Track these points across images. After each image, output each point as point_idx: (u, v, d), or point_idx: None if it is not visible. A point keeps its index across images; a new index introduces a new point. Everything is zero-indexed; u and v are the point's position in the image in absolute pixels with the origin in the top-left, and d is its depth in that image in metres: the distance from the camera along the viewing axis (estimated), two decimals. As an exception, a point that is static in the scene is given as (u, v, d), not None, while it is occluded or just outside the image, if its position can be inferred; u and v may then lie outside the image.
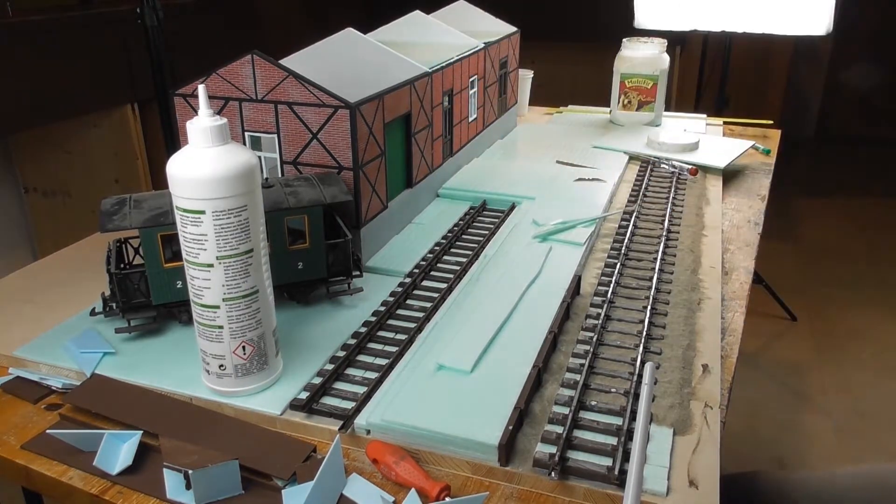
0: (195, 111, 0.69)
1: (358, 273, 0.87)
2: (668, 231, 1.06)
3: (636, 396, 0.69)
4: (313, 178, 0.87)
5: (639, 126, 1.61)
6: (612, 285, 0.90)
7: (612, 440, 0.63)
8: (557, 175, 1.29)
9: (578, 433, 0.65)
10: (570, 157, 1.39)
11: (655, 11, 2.13)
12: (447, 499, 0.59)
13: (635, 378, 0.71)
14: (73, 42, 2.06)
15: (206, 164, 0.61)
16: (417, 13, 1.34)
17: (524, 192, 1.19)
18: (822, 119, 4.42)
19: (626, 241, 1.02)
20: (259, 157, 0.91)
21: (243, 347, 0.68)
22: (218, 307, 0.65)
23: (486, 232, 1.06)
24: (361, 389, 0.70)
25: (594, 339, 0.78)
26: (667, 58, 1.61)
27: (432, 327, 0.81)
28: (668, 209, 1.14)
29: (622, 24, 2.16)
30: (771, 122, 1.70)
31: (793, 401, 2.15)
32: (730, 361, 0.79)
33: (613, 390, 0.70)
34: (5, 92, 1.88)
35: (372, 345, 0.78)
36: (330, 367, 0.74)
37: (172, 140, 1.77)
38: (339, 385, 0.72)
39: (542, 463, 0.61)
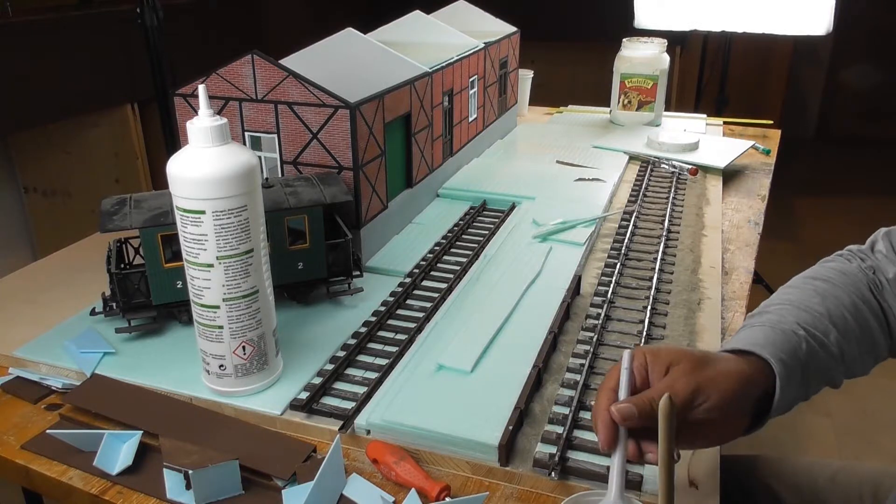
0: (195, 111, 0.69)
1: (358, 273, 0.87)
2: (668, 231, 1.06)
3: (636, 396, 0.69)
4: (313, 178, 0.87)
5: (639, 126, 1.61)
6: (612, 285, 0.90)
7: (613, 440, 0.63)
8: (557, 175, 1.29)
9: (578, 433, 0.65)
10: (570, 157, 1.39)
11: (655, 11, 2.12)
12: (447, 499, 0.59)
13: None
14: (73, 42, 2.06)
15: (206, 164, 0.61)
16: (417, 13, 1.34)
17: (524, 192, 1.19)
18: (822, 119, 4.42)
19: (626, 241, 1.02)
20: (259, 157, 0.91)
21: (243, 347, 0.67)
22: (218, 307, 0.65)
23: (486, 232, 1.06)
24: (361, 389, 0.70)
25: (594, 339, 0.78)
26: (667, 58, 1.61)
27: (432, 327, 0.81)
28: (668, 209, 1.14)
29: (622, 24, 2.16)
30: (771, 122, 1.70)
31: (793, 401, 2.14)
32: (730, 361, 0.79)
33: (613, 390, 0.70)
34: (5, 92, 1.88)
35: (372, 345, 0.78)
36: (330, 367, 0.74)
37: (172, 140, 1.77)
38: (339, 385, 0.72)
39: (542, 463, 0.61)
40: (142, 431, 0.65)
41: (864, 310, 0.64)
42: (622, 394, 0.54)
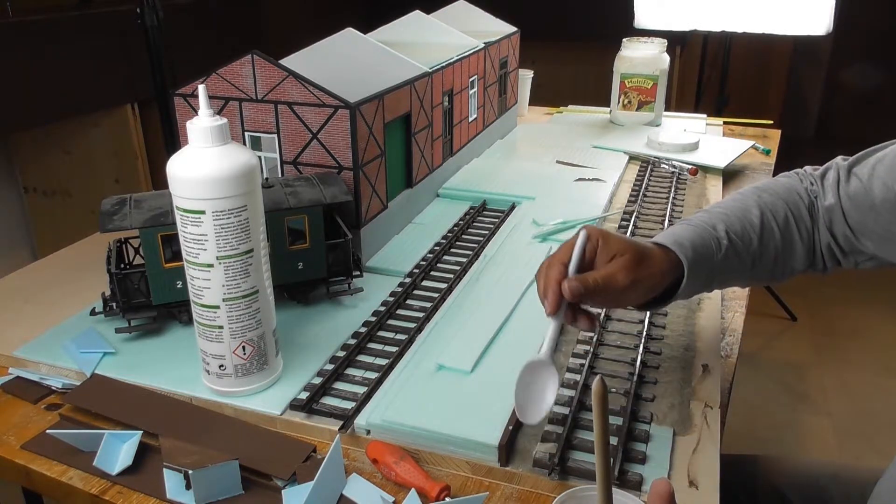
0: (195, 111, 0.69)
1: (358, 273, 0.87)
2: (668, 231, 1.06)
3: (636, 396, 0.69)
4: (313, 178, 0.87)
5: (639, 126, 1.61)
6: (612, 285, 0.89)
7: (612, 440, 0.63)
8: (557, 175, 1.29)
9: (578, 433, 0.65)
10: (570, 157, 1.39)
11: (655, 11, 2.12)
12: (447, 499, 0.59)
13: (635, 378, 0.71)
14: (73, 42, 2.06)
15: (206, 164, 0.61)
16: (417, 13, 1.34)
17: (524, 192, 1.19)
18: (822, 119, 4.42)
19: (626, 241, 1.02)
20: (259, 157, 0.91)
21: (243, 347, 0.67)
22: (218, 307, 0.65)
23: (486, 232, 1.06)
24: (361, 389, 0.70)
25: (594, 339, 0.78)
26: (667, 58, 1.61)
27: (432, 327, 0.81)
28: (668, 209, 1.14)
29: (622, 24, 2.16)
30: (771, 122, 1.70)
31: (793, 401, 2.15)
32: (730, 361, 0.79)
33: (613, 390, 0.70)
34: (5, 92, 1.88)
35: (372, 345, 0.78)
36: (330, 367, 0.74)
37: (172, 140, 1.77)
38: (339, 385, 0.72)
39: (542, 463, 0.61)
40: (142, 431, 0.65)
41: (794, 228, 0.72)
42: (572, 269, 0.62)
